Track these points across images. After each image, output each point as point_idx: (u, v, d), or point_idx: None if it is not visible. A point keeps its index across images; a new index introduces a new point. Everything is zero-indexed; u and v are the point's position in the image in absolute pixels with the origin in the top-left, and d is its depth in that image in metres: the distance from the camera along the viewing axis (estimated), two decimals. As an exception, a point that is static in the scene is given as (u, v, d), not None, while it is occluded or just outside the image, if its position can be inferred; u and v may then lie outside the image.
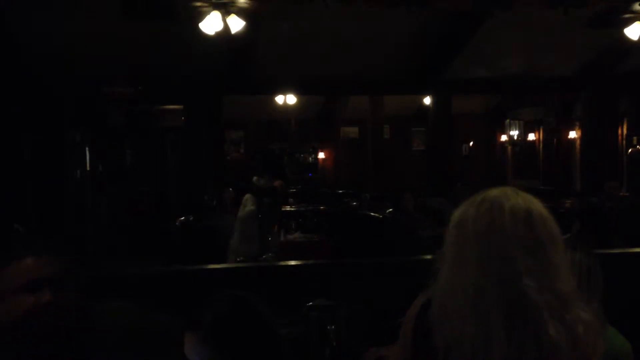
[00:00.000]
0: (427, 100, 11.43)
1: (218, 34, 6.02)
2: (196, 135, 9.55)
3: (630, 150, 10.04)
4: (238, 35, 6.32)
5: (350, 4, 4.64)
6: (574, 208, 7.06)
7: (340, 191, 12.07)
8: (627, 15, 5.89)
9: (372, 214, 8.35)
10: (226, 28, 5.79)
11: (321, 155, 14.50)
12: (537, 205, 1.32)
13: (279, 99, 11.06)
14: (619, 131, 10.39)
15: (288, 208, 8.77)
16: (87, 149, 9.77)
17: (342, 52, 8.83)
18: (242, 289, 1.75)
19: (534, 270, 1.25)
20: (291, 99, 10.95)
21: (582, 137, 10.83)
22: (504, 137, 13.98)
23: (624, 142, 10.32)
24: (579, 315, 1.26)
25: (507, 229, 1.27)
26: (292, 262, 3.04)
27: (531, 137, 13.06)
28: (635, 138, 9.96)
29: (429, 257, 3.66)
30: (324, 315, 2.25)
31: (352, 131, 14.33)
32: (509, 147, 13.96)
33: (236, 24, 5.78)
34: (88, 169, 9.96)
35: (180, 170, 10.28)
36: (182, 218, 6.87)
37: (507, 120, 13.67)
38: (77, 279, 1.78)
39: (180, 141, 10.50)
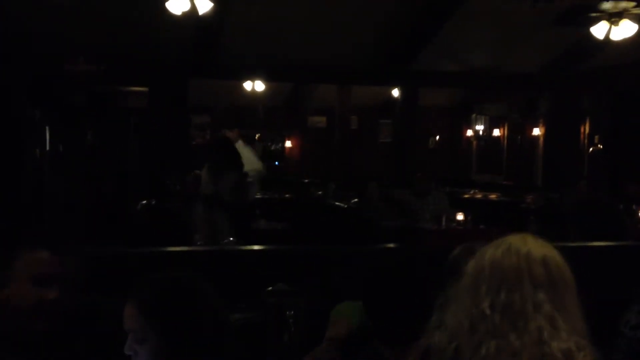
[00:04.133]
0: (395, 93, 11.47)
1: (185, 15, 5.90)
2: (160, 118, 9.38)
3: (591, 148, 10.24)
4: (206, 18, 6.20)
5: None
6: (534, 204, 7.17)
7: (306, 180, 12.04)
8: (593, 14, 5.97)
9: (336, 203, 8.36)
10: (194, 9, 5.67)
11: (288, 143, 14.43)
12: (553, 252, 1.44)
13: (247, 85, 10.93)
14: (582, 129, 10.59)
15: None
16: (47, 128, 9.50)
17: (311, 39, 8.77)
18: (201, 272, 1.72)
19: (546, 306, 1.36)
20: (259, 86, 10.84)
21: (546, 134, 11.01)
22: (469, 132, 14.12)
23: (586, 140, 10.52)
24: (581, 350, 1.35)
25: (521, 267, 1.39)
26: (253, 247, 3.00)
27: (496, 132, 13.23)
28: (597, 136, 10.16)
29: (390, 245, 3.64)
30: (283, 301, 2.21)
31: (320, 120, 14.29)
32: (474, 142, 14.11)
33: (204, 5, 5.66)
34: (47, 148, 9.68)
35: (143, 153, 10.09)
36: (144, 202, 6.74)
37: (473, 115, 13.82)
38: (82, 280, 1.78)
39: (144, 123, 10.31)
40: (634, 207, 6.41)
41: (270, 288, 2.28)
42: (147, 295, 1.59)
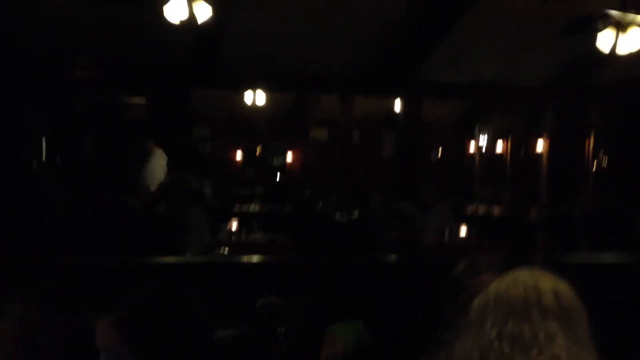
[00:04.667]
0: (398, 106, 11.36)
1: (184, 24, 5.79)
2: (160, 129, 9.26)
3: (597, 161, 10.11)
4: (205, 27, 6.10)
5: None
6: (539, 218, 7.03)
7: (307, 193, 11.91)
8: (600, 24, 5.84)
9: (337, 217, 8.23)
10: (192, 17, 5.56)
11: (289, 155, 14.32)
12: (564, 284, 1.41)
13: (248, 96, 10.82)
14: (587, 143, 10.45)
15: (251, 209, 8.59)
16: (43, 137, 9.39)
17: (314, 50, 8.69)
18: (191, 283, 1.63)
19: (557, 336, 1.32)
20: (260, 97, 10.73)
21: (550, 147, 10.87)
22: (473, 145, 13.98)
23: (591, 153, 10.38)
24: None
25: (530, 297, 1.36)
26: (246, 258, 2.85)
27: (500, 145, 13.09)
28: (602, 150, 10.02)
29: (390, 257, 3.50)
30: (275, 315, 2.07)
31: (322, 133, 14.17)
32: (478, 155, 13.97)
33: (203, 13, 5.55)
34: (45, 156, 9.57)
35: (141, 164, 9.96)
36: (143, 211, 6.62)
37: (477, 128, 13.69)
38: None
39: (144, 134, 10.20)
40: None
41: (261, 301, 2.14)
42: (124, 311, 1.49)
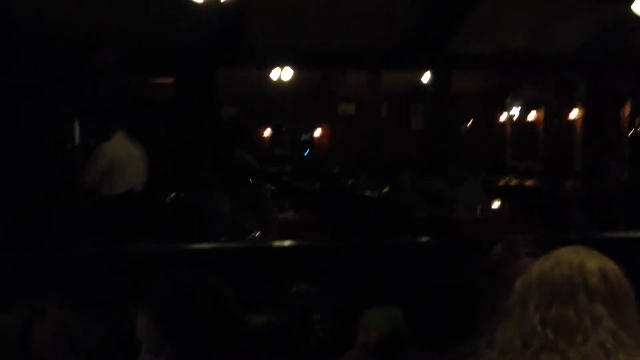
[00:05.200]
0: (426, 79, 11.18)
1: (208, 3, 5.76)
2: (188, 109, 9.30)
3: (632, 131, 9.84)
4: (229, 5, 6.05)
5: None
6: (576, 191, 6.88)
7: (336, 170, 11.86)
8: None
9: (367, 194, 8.18)
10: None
11: (317, 132, 14.27)
12: (611, 264, 1.32)
13: (275, 74, 10.76)
14: (622, 111, 10.17)
15: (281, 186, 8.59)
16: (75, 121, 9.49)
17: (339, 25, 8.57)
18: (222, 270, 1.61)
19: (605, 319, 1.24)
20: (287, 74, 10.66)
21: (584, 117, 10.61)
22: (504, 117, 13.73)
23: (627, 122, 10.11)
24: None
25: (574, 278, 1.27)
26: (278, 243, 2.83)
27: (532, 116, 12.84)
28: (638, 119, 9.75)
29: (424, 239, 3.45)
30: (309, 303, 2.05)
31: (349, 108, 14.06)
32: (509, 127, 13.73)
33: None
34: (77, 142, 9.68)
35: (173, 145, 10.04)
36: (172, 194, 6.67)
37: (508, 99, 13.43)
38: None
39: (173, 115, 10.25)
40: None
41: (294, 289, 2.12)
42: (160, 304, 1.48)
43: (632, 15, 6.31)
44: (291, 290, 2.14)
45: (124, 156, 5.08)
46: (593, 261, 1.29)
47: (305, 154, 14.37)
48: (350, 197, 7.77)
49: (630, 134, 10.00)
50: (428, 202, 7.57)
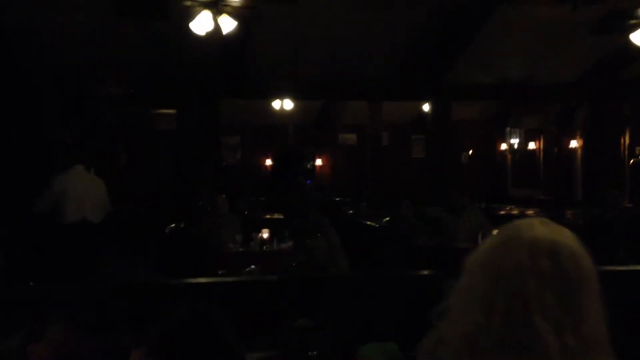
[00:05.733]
0: (426, 107, 11.26)
1: (210, 35, 5.84)
2: (190, 139, 9.35)
3: (632, 160, 9.84)
4: (232, 37, 6.14)
5: None
6: (576, 219, 6.87)
7: (338, 198, 11.86)
8: (632, 21, 5.71)
9: (368, 222, 8.16)
10: (217, 28, 5.60)
11: (319, 161, 14.32)
12: (567, 238, 1.13)
13: (276, 104, 10.86)
14: (622, 140, 10.20)
15: (282, 216, 8.58)
16: (77, 150, 9.54)
17: (341, 56, 8.66)
18: (219, 305, 1.61)
19: (555, 309, 1.07)
20: (288, 104, 10.76)
21: (584, 146, 10.65)
22: (504, 145, 13.78)
23: (627, 151, 10.13)
24: None
25: (523, 260, 1.09)
26: (275, 277, 2.84)
27: (532, 145, 12.87)
28: (638, 148, 9.77)
29: (425, 272, 3.43)
30: (305, 339, 2.05)
31: (351, 137, 14.14)
32: (509, 156, 13.76)
33: (228, 25, 5.59)
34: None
35: (174, 174, 10.09)
36: (173, 225, 6.67)
37: (508, 128, 13.49)
38: None
39: (174, 145, 10.31)
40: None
41: (291, 324, 2.12)
42: (156, 341, 1.47)
43: (630, 45, 6.38)
44: (290, 325, 2.14)
45: (78, 188, 5.29)
46: (546, 235, 1.11)
47: (307, 183, 14.38)
48: (352, 226, 7.76)
49: (630, 162, 10.01)
50: (429, 231, 7.55)
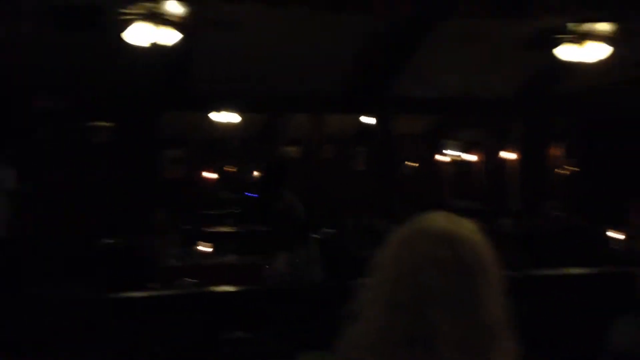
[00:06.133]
0: (369, 120, 11.41)
1: (150, 47, 5.75)
2: (129, 153, 9.16)
3: (565, 172, 10.25)
4: (173, 49, 6.06)
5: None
6: (512, 229, 7.07)
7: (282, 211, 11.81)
8: (560, 36, 5.96)
9: (311, 234, 8.16)
10: (157, 41, 5.53)
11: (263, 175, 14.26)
12: (466, 228, 1.16)
13: (221, 117, 10.78)
14: (555, 153, 10.60)
15: (224, 229, 8.51)
16: (9, 167, 9.19)
17: (284, 69, 8.68)
18: (152, 319, 1.58)
19: (454, 299, 1.08)
20: (232, 117, 10.69)
21: (519, 159, 11.00)
22: (444, 158, 14.10)
23: (560, 164, 10.53)
24: (501, 356, 1.08)
25: (424, 251, 1.11)
26: (211, 289, 2.80)
27: (470, 158, 13.22)
28: (571, 160, 10.17)
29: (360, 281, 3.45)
30: (240, 351, 2.02)
31: (294, 150, 14.17)
32: (448, 168, 14.09)
33: (168, 37, 5.53)
34: (13, 187, 9.35)
35: (112, 188, 9.83)
36: (108, 240, 6.51)
37: (447, 142, 13.82)
38: None
39: (112, 159, 10.06)
40: (609, 231, 6.35)
41: (227, 336, 2.09)
42: None
43: (559, 63, 6.64)
44: (224, 338, 2.11)
45: None
46: (446, 227, 1.14)
47: (252, 197, 14.29)
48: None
49: (562, 175, 10.40)
50: (372, 242, 7.61)
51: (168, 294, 2.77)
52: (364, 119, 11.50)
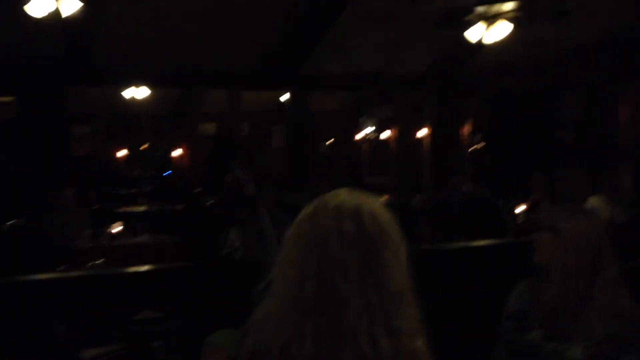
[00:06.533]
0: (286, 97, 11.38)
1: (52, 18, 5.44)
2: (33, 129, 8.70)
3: (472, 147, 10.67)
4: (76, 20, 5.76)
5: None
6: (422, 203, 7.31)
7: (197, 189, 11.65)
8: (468, 18, 6.14)
9: (263, 209, 8.09)
10: (57, 10, 5.23)
11: (177, 152, 13.96)
12: (369, 203, 1.21)
13: (130, 92, 10.39)
14: (464, 129, 11.00)
15: (136, 208, 8.31)
16: None
17: (199, 43, 8.48)
18: (60, 300, 1.52)
19: (358, 269, 1.12)
20: (143, 92, 10.33)
21: (431, 136, 11.34)
22: (360, 135, 14.31)
23: (468, 139, 10.95)
24: (405, 321, 1.13)
25: (329, 225, 1.15)
26: (120, 270, 2.73)
27: (385, 135, 13.48)
28: (477, 136, 10.59)
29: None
30: (150, 330, 1.99)
31: (210, 127, 13.94)
32: (365, 145, 14.32)
33: (70, 6, 5.23)
34: None
35: (16, 167, 9.33)
36: (13, 221, 6.18)
37: (362, 118, 14.02)
38: None
39: (15, 136, 9.53)
40: (511, 202, 6.69)
41: (136, 317, 2.05)
42: None
43: (468, 42, 6.84)
44: (133, 318, 2.07)
45: None
46: (351, 201, 1.17)
47: (165, 174, 13.99)
48: (208, 218, 7.66)
49: (470, 150, 10.82)
50: (289, 219, 7.65)
51: (74, 276, 2.67)
52: (283, 97, 11.45)
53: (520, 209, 6.88)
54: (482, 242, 3.52)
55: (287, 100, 11.22)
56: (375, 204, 1.21)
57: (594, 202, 6.17)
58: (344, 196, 1.21)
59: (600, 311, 2.00)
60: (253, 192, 4.93)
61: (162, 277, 2.59)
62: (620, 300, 2.05)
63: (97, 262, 3.80)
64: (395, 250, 1.17)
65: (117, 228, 6.06)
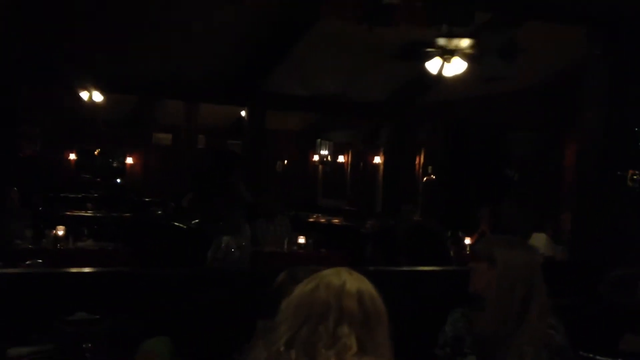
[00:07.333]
0: (244, 115, 11.37)
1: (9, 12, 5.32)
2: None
3: (425, 178, 10.84)
4: (35, 16, 5.66)
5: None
6: (372, 229, 7.38)
7: (147, 199, 11.48)
8: (429, 50, 6.30)
9: (176, 223, 8.00)
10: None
11: (130, 160, 13.75)
12: (368, 285, 1.39)
13: (84, 95, 10.18)
14: (417, 159, 11.19)
15: (83, 213, 8.12)
16: None
17: (159, 52, 8.41)
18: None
19: (351, 338, 1.29)
20: (97, 97, 10.14)
21: (385, 162, 11.50)
22: (316, 157, 14.39)
23: (421, 170, 11.13)
24: None
25: (330, 301, 1.32)
26: (58, 269, 2.66)
27: (341, 158, 13.60)
28: (430, 167, 10.78)
29: (231, 269, 3.46)
30: (80, 331, 1.95)
31: (165, 138, 13.80)
32: (320, 167, 14.39)
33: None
34: None
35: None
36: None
37: (319, 140, 14.11)
38: None
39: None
40: (460, 234, 6.81)
41: (67, 317, 2.00)
42: None
43: (426, 74, 7.01)
44: (66, 319, 2.02)
45: None
46: (353, 283, 1.35)
47: (117, 182, 13.75)
48: (157, 228, 7.55)
49: (424, 179, 11.00)
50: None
51: (9, 272, 2.59)
52: (241, 112, 11.44)
53: (467, 240, 7.02)
54: (423, 268, 3.59)
55: (245, 117, 11.22)
56: (372, 286, 1.39)
57: (536, 238, 6.34)
58: (346, 277, 1.38)
59: (530, 339, 2.07)
60: (250, 200, 5.20)
61: (102, 281, 2.54)
62: (549, 330, 2.13)
63: (37, 260, 3.68)
64: (386, 327, 1.37)
65: (60, 231, 5.90)
